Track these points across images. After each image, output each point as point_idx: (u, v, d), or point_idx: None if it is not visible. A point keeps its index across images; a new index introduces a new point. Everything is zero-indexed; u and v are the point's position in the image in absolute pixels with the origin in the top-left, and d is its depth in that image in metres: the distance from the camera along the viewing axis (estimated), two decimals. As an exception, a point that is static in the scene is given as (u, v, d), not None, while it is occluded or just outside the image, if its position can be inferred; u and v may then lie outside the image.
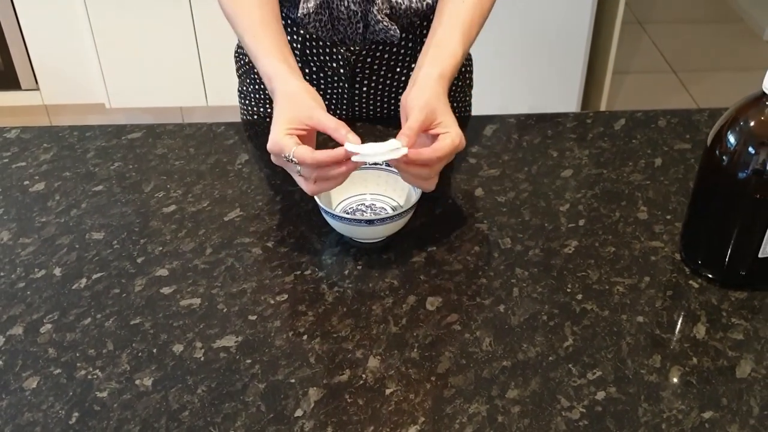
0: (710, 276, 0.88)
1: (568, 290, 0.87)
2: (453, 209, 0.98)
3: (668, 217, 0.97)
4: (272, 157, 0.87)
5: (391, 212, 0.94)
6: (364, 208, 0.95)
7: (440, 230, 0.95)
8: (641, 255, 0.92)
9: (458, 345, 0.81)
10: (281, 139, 0.84)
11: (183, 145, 1.11)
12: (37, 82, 2.71)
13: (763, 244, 0.82)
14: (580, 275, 0.89)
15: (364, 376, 0.78)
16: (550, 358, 0.79)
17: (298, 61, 1.12)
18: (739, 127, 0.79)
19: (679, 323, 0.83)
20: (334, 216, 0.88)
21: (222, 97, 2.68)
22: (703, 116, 1.16)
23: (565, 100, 2.58)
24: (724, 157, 0.80)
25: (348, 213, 0.94)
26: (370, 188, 0.96)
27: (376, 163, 0.95)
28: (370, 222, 0.87)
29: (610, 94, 2.76)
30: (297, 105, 0.86)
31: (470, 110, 1.23)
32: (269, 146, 0.85)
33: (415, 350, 0.80)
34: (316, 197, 0.88)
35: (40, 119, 2.81)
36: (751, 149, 0.78)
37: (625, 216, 0.97)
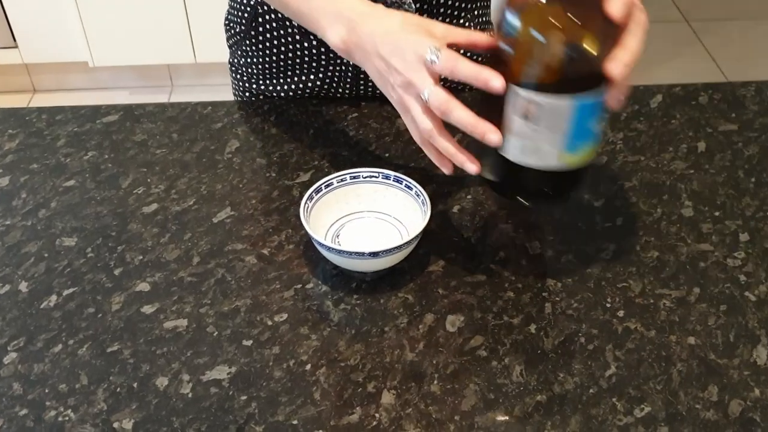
0: None
1: (608, 305, 0.76)
2: (472, 207, 0.87)
3: (716, 213, 0.86)
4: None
5: (391, 229, 0.82)
6: (361, 231, 0.82)
7: (458, 232, 0.84)
8: (688, 261, 0.80)
9: (485, 375, 0.70)
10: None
11: (165, 129, 0.99)
12: (14, 39, 2.55)
13: None
14: (621, 287, 0.78)
15: (377, 415, 0.67)
16: (591, 391, 0.69)
17: (296, 34, 0.99)
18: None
19: (737, 345, 0.72)
20: (330, 249, 0.75)
21: (211, 53, 2.53)
22: (749, 91, 1.04)
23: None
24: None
25: (339, 236, 0.82)
26: (365, 204, 0.84)
27: (386, 177, 0.82)
28: (374, 255, 0.74)
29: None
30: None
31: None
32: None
33: (436, 382, 0.70)
34: (304, 222, 0.76)
35: (21, 80, 2.67)
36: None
37: (667, 213, 0.86)
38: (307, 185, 0.89)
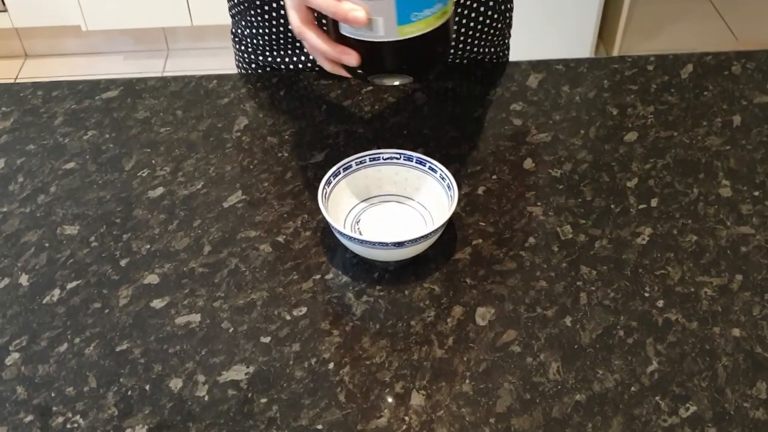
0: None
1: (647, 295, 0.72)
2: (498, 187, 0.82)
3: (756, 193, 0.81)
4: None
5: (414, 215, 0.77)
6: (382, 217, 0.77)
7: (485, 216, 0.79)
8: (729, 245, 0.76)
9: (519, 373, 0.66)
10: None
11: (168, 106, 0.93)
12: (4, 3, 2.47)
13: None
14: (659, 274, 0.73)
15: (407, 418, 0.63)
16: (633, 389, 0.65)
17: None
18: None
19: (785, 338, 0.68)
20: (352, 239, 0.70)
21: (208, 16, 2.45)
22: (785, 59, 0.98)
23: (581, 23, 2.35)
24: None
25: (360, 223, 0.77)
26: (386, 187, 0.79)
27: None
28: (399, 245, 0.69)
29: (633, 21, 2.54)
30: None
31: (508, 54, 1.04)
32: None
33: (467, 381, 0.65)
34: (325, 213, 0.71)
35: (12, 45, 2.58)
36: None
37: (704, 193, 0.81)
38: (322, 166, 0.84)
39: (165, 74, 2.48)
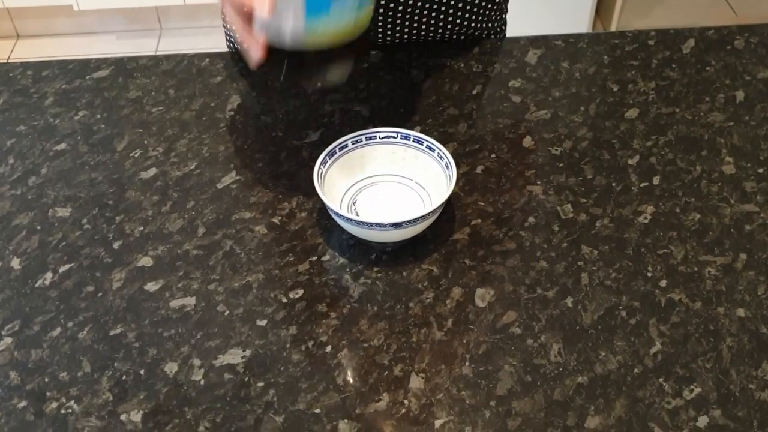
0: None
1: (649, 274, 0.71)
2: (497, 166, 0.80)
3: (760, 170, 0.80)
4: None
5: (412, 195, 0.76)
6: (379, 197, 0.76)
7: (484, 196, 0.77)
8: (733, 223, 0.75)
9: (520, 355, 0.65)
10: None
11: (160, 85, 0.91)
12: (-6, -18, 2.43)
13: None
14: (662, 253, 0.72)
15: (406, 402, 0.62)
16: (636, 371, 0.64)
17: None
18: None
19: (790, 317, 0.67)
20: (348, 220, 0.69)
21: (202, -6, 2.42)
22: (788, 33, 0.97)
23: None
24: None
25: (356, 203, 0.76)
26: (382, 167, 0.77)
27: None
28: (396, 225, 0.68)
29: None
30: None
31: (505, 30, 1.02)
32: None
33: (467, 364, 0.64)
34: (320, 194, 0.70)
35: (3, 25, 2.55)
36: None
37: (707, 170, 0.80)
38: (317, 145, 0.83)
39: (158, 53, 2.45)
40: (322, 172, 0.73)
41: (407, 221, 0.68)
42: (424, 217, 0.68)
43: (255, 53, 0.65)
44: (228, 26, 0.67)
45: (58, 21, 2.54)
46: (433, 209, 0.68)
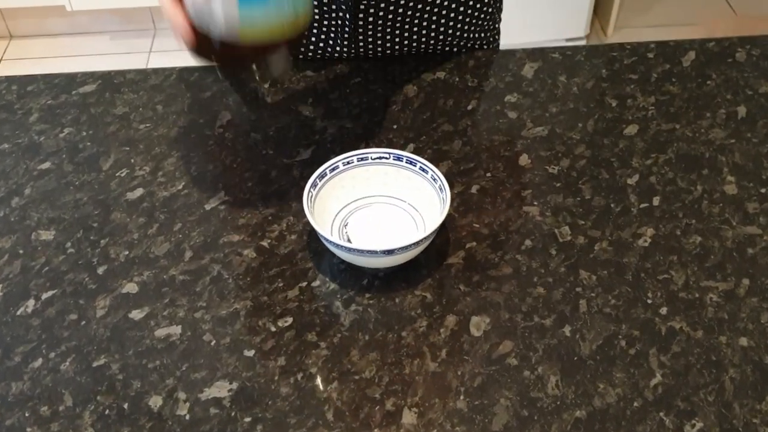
0: None
1: (649, 301, 0.69)
2: (493, 186, 0.78)
3: (762, 190, 0.78)
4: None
5: (405, 217, 0.74)
6: (371, 220, 0.74)
7: (479, 217, 0.75)
8: (735, 246, 0.73)
9: (516, 388, 0.63)
10: None
11: (148, 101, 0.89)
12: (-14, -17, 2.40)
13: None
14: (662, 279, 0.70)
15: (398, 438, 0.60)
16: (636, 404, 0.62)
17: None
18: None
19: (794, 346, 0.65)
20: (339, 247, 0.67)
21: (196, -6, 2.39)
22: (791, 45, 0.94)
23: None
24: None
25: (347, 226, 0.74)
26: (374, 188, 0.75)
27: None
28: (388, 252, 0.66)
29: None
30: None
31: (499, 39, 1.00)
32: None
33: (462, 397, 0.62)
34: (310, 219, 0.68)
35: (-6, 25, 2.52)
36: None
37: (708, 190, 0.78)
38: (308, 163, 0.81)
39: (152, 52, 2.43)
40: (312, 195, 0.70)
41: (399, 248, 0.65)
42: (416, 244, 0.66)
43: (184, 38, 0.63)
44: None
45: (51, 21, 2.52)
46: (426, 236, 0.66)
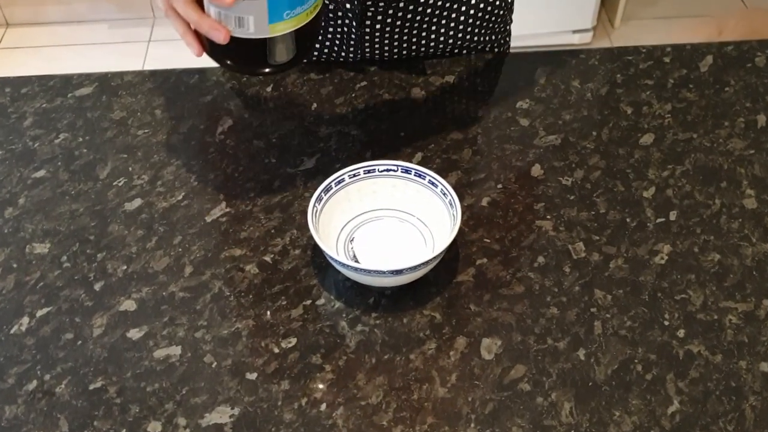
0: None
1: (666, 323, 0.66)
2: (504, 198, 0.75)
3: (784, 204, 0.75)
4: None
5: (413, 232, 0.71)
6: (378, 235, 0.71)
7: (490, 232, 0.73)
8: (755, 265, 0.70)
9: (529, 415, 0.61)
10: None
11: (146, 105, 0.86)
12: (-18, -31, 2.36)
13: None
14: (679, 299, 0.68)
15: (406, 468, 0.58)
16: (653, 433, 0.60)
17: None
18: None
19: (817, 372, 0.63)
20: (345, 266, 0.65)
21: (196, -17, 2.35)
22: (812, 50, 0.91)
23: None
24: None
25: (354, 241, 0.71)
26: (381, 201, 0.72)
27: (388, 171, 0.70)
28: (396, 272, 0.63)
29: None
30: None
31: (510, 41, 0.97)
32: None
33: (473, 425, 0.60)
34: (315, 236, 0.65)
35: (-9, 12, 2.48)
36: None
37: (727, 204, 0.75)
38: (312, 173, 0.78)
39: (151, 42, 2.39)
40: (317, 210, 0.68)
41: (408, 268, 0.63)
42: (425, 264, 0.64)
43: (218, 35, 0.61)
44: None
45: (49, 9, 2.47)
46: (435, 255, 0.63)
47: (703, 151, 0.80)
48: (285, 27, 0.62)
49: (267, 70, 0.66)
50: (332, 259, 0.65)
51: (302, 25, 0.63)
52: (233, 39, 0.62)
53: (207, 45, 0.65)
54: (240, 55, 0.65)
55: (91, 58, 2.36)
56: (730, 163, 0.79)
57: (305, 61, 0.70)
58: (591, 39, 2.31)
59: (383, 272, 0.63)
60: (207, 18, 0.62)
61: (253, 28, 0.61)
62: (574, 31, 2.27)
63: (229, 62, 0.66)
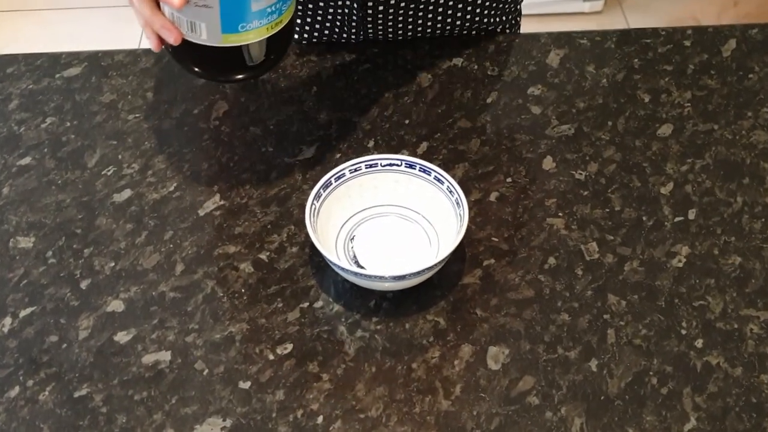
0: None
1: (683, 332, 0.63)
2: (513, 193, 0.71)
3: (809, 203, 0.71)
4: None
5: (416, 230, 0.67)
6: (380, 233, 0.67)
7: (498, 230, 0.69)
8: (779, 269, 0.66)
9: (538, 431, 0.57)
10: None
11: (138, 87, 0.82)
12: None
13: None
14: (698, 305, 0.64)
15: (407, 488, 0.55)
16: (668, 453, 0.56)
17: None
18: None
19: (843, 388, 0.59)
20: (345, 271, 0.61)
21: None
22: (841, 34, 0.86)
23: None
24: None
25: (354, 239, 0.67)
26: (383, 197, 0.68)
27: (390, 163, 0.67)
28: (399, 278, 0.60)
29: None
30: None
31: (520, 21, 0.92)
32: None
33: (477, 441, 0.57)
34: (313, 237, 0.61)
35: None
36: None
37: (749, 202, 0.71)
38: (311, 163, 0.74)
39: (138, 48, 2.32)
40: (315, 208, 0.64)
41: (411, 273, 0.59)
42: (429, 269, 0.60)
43: (169, 36, 0.59)
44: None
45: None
46: (439, 260, 0.60)
47: (725, 143, 0.75)
48: (241, 39, 0.59)
49: (223, 78, 0.63)
50: (331, 263, 0.61)
51: (260, 39, 0.60)
52: (188, 42, 0.59)
53: (167, 44, 0.61)
54: (197, 59, 0.62)
55: (81, 27, 2.29)
56: (753, 157, 0.74)
57: (280, 62, 0.67)
58: (602, 7, 2.24)
59: (385, 278, 0.59)
60: (160, 16, 0.59)
61: (205, 35, 0.58)
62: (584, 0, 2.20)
63: (190, 65, 0.63)
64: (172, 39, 0.59)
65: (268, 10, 0.58)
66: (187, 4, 0.56)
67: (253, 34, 0.59)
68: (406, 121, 0.77)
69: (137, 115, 0.79)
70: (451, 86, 0.81)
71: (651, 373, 0.60)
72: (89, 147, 0.76)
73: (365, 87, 0.81)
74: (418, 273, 0.59)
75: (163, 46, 0.62)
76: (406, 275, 0.59)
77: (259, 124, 0.78)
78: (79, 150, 0.76)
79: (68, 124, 0.78)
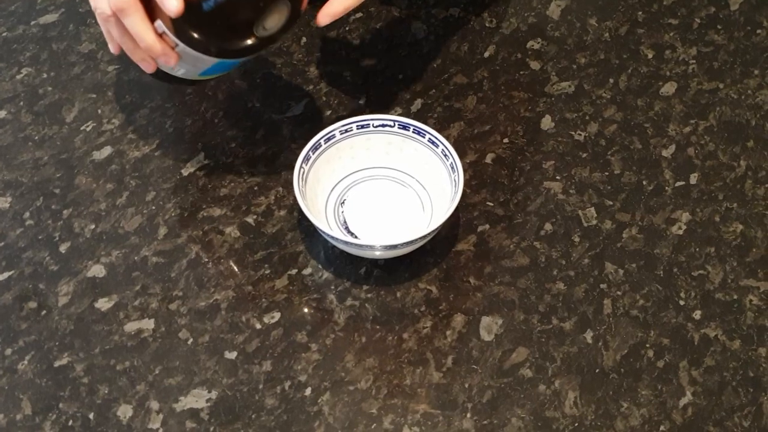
0: None
1: (681, 302, 0.61)
2: (510, 155, 0.69)
3: (815, 167, 0.69)
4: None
5: (409, 194, 0.65)
6: (371, 197, 0.65)
7: (493, 194, 0.66)
8: (781, 237, 0.64)
9: (530, 405, 0.56)
10: None
11: (119, 36, 0.77)
12: None
13: None
14: (697, 275, 0.62)
15: (396, 463, 0.54)
16: (662, 428, 0.55)
17: None
18: None
19: (842, 362, 0.58)
20: (335, 239, 0.58)
21: None
22: None
23: None
24: None
25: (345, 203, 0.65)
26: (375, 159, 0.65)
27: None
28: (390, 247, 0.57)
29: None
30: None
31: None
32: None
33: (469, 415, 0.56)
34: (301, 204, 0.59)
35: None
36: None
37: (753, 167, 0.69)
38: (299, 120, 0.71)
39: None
40: (304, 172, 0.61)
41: (402, 243, 0.57)
42: (422, 238, 0.58)
43: (169, 60, 0.56)
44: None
45: None
46: (432, 230, 0.57)
47: (730, 103, 0.72)
48: (218, 75, 0.61)
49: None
50: (321, 230, 0.58)
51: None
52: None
53: None
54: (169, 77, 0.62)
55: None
56: (758, 118, 0.72)
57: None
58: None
59: (375, 247, 0.57)
60: (160, 40, 0.54)
61: (182, 73, 0.59)
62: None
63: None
64: (149, 70, 0.59)
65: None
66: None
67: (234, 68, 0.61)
68: (400, 76, 0.74)
69: (117, 67, 0.75)
70: (447, 39, 0.77)
71: (647, 345, 0.59)
72: (67, 100, 0.73)
73: (357, 38, 0.77)
74: (410, 242, 0.57)
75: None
76: (398, 245, 0.57)
77: (245, 77, 0.74)
78: (57, 103, 0.73)
79: (45, 75, 0.75)
